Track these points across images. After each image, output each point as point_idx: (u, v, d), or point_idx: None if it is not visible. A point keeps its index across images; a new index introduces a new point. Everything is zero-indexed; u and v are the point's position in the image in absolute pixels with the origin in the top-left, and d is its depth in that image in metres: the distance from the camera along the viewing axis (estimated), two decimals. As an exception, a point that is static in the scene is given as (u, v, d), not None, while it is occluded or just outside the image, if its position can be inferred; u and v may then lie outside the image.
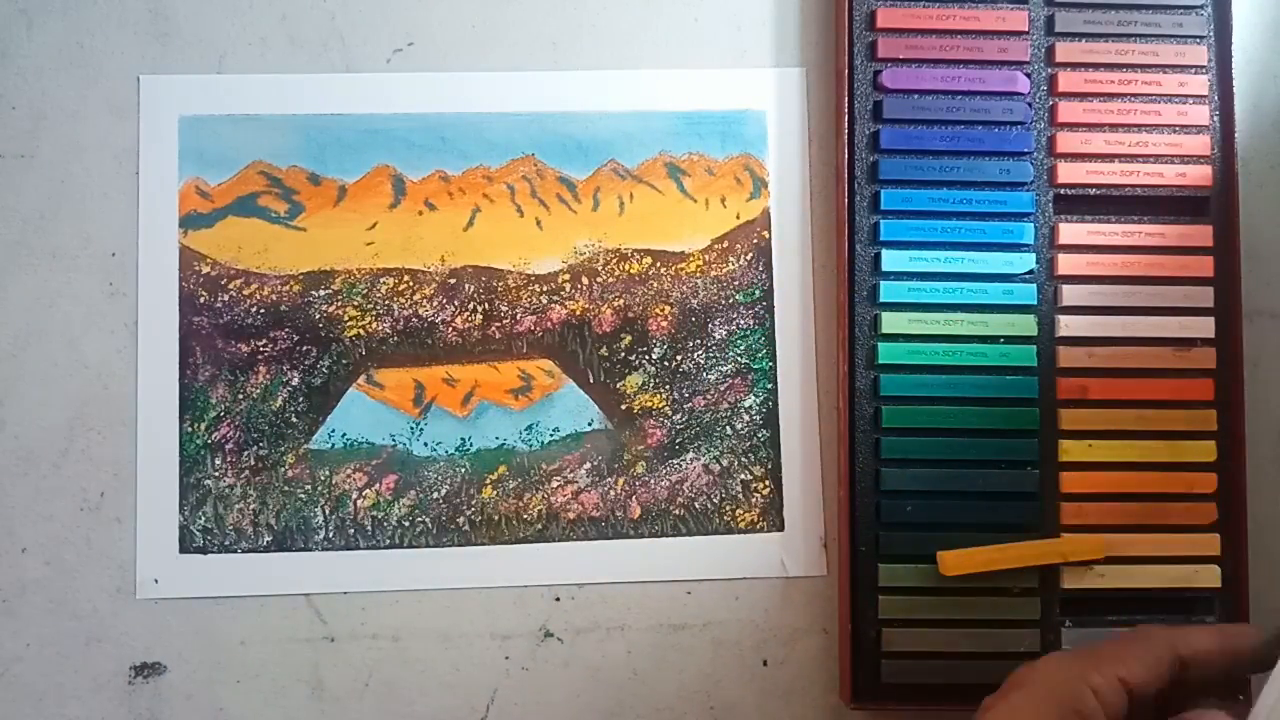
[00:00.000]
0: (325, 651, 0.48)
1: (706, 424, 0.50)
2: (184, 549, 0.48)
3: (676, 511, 0.50)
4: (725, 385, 0.50)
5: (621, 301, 0.51)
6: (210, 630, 0.48)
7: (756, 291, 0.51)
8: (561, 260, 0.51)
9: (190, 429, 0.49)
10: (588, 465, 0.50)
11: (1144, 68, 0.50)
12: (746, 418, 0.50)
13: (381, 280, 0.50)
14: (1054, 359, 0.49)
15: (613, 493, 0.50)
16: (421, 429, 0.49)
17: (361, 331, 0.50)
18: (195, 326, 0.49)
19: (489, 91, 0.51)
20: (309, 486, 0.49)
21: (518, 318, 0.50)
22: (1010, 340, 0.49)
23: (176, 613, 0.48)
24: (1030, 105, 0.50)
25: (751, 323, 0.51)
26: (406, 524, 0.49)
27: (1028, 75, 0.50)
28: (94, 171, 0.50)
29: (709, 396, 0.50)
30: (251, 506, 0.49)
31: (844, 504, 0.47)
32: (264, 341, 0.50)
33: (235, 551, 0.48)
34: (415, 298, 0.50)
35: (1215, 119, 0.50)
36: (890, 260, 0.49)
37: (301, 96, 0.50)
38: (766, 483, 0.50)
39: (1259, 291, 0.51)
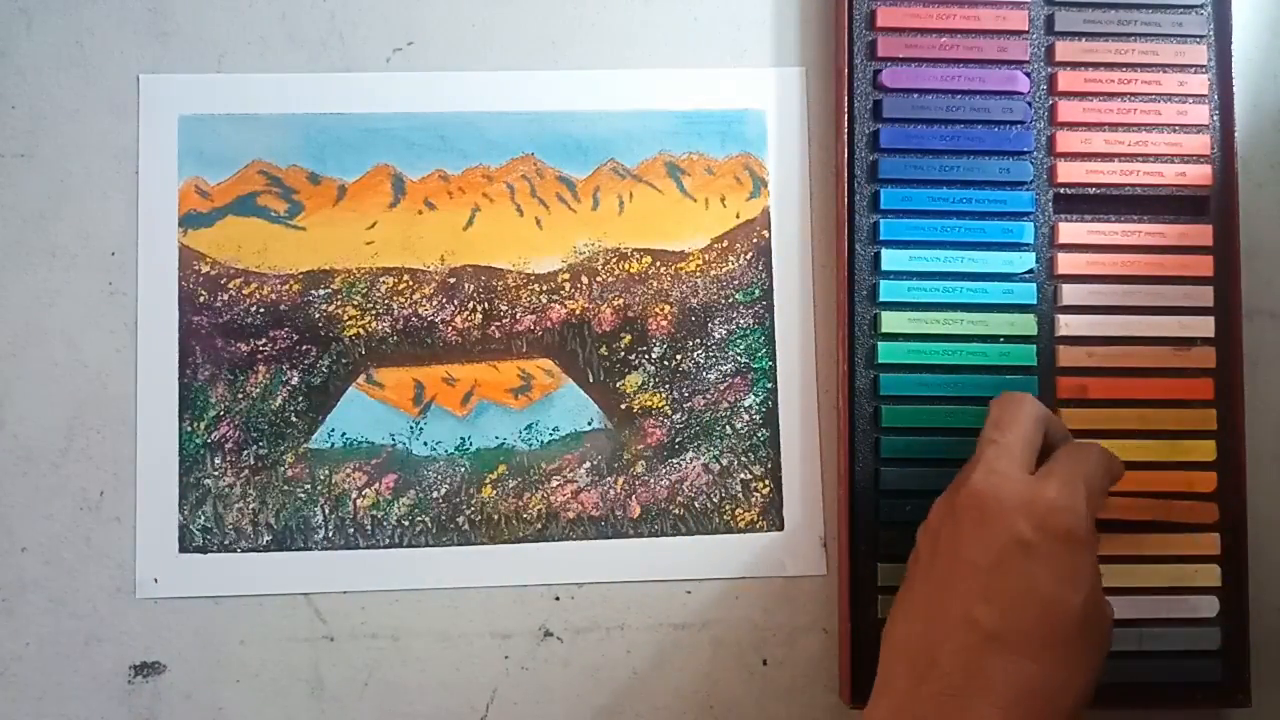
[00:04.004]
0: (325, 651, 0.48)
1: (706, 423, 0.50)
2: (184, 548, 0.48)
3: (676, 511, 0.50)
4: (725, 385, 0.50)
5: (621, 301, 0.51)
6: (210, 630, 0.48)
7: (756, 291, 0.51)
8: (561, 260, 0.51)
9: (190, 428, 0.49)
10: (587, 465, 0.50)
11: (1144, 67, 0.50)
12: (746, 417, 0.50)
13: (381, 279, 0.50)
14: (1054, 358, 0.49)
15: (612, 492, 0.50)
16: (421, 428, 0.49)
17: (361, 331, 0.50)
18: (195, 326, 0.49)
19: (489, 91, 0.51)
20: (309, 486, 0.49)
21: (517, 317, 0.50)
22: (1010, 340, 0.49)
23: (176, 612, 0.48)
24: (1030, 104, 0.50)
25: (751, 322, 0.51)
26: (406, 523, 0.49)
27: (1027, 74, 0.50)
28: (94, 171, 0.50)
29: (709, 396, 0.50)
30: (251, 506, 0.49)
31: (844, 504, 0.47)
32: (264, 341, 0.49)
33: (235, 551, 0.48)
34: (415, 297, 0.50)
35: (1215, 119, 0.50)
36: (890, 259, 0.49)
37: (301, 96, 0.50)
38: (766, 482, 0.50)
39: (1259, 291, 0.51)
